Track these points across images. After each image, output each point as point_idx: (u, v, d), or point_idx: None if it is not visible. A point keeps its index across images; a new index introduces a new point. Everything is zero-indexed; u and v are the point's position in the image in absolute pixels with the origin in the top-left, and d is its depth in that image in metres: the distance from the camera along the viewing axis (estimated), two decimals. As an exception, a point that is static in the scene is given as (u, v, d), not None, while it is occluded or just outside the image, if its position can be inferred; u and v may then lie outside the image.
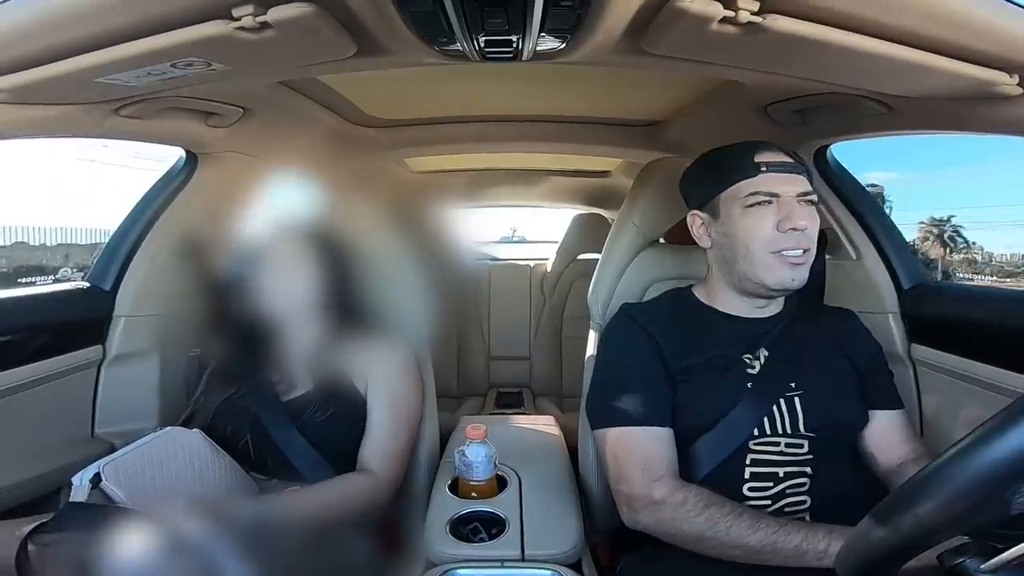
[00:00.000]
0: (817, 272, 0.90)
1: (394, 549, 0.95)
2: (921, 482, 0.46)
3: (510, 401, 2.34)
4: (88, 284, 1.24)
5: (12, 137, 0.91)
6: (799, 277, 0.84)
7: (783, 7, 0.58)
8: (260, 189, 1.14)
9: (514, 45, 0.71)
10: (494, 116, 1.49)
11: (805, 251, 0.83)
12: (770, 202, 0.83)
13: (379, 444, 0.99)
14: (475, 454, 0.96)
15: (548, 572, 0.81)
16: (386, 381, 1.02)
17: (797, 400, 0.85)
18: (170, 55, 0.68)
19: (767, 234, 0.83)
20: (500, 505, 0.93)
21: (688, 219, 0.93)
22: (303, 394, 1.00)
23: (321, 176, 1.12)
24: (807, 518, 0.82)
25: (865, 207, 1.17)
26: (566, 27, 0.66)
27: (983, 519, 0.45)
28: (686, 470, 0.84)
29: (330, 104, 1.32)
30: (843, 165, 1.21)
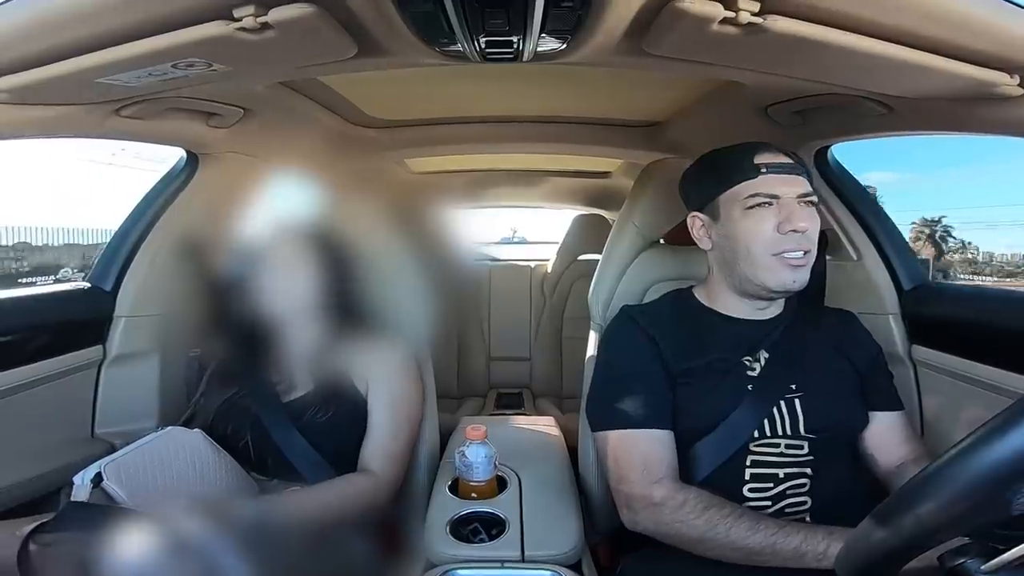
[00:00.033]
0: (818, 273, 0.89)
1: (394, 549, 0.95)
2: (922, 482, 0.46)
3: (510, 402, 2.34)
4: (89, 284, 1.25)
5: (13, 137, 0.92)
6: (800, 279, 0.84)
7: (783, 8, 0.58)
8: (261, 190, 1.14)
9: (515, 46, 0.71)
10: (494, 117, 1.49)
11: (806, 253, 0.83)
12: (770, 204, 0.83)
13: (380, 445, 0.99)
14: (475, 455, 0.96)
15: (548, 573, 0.81)
16: (387, 382, 1.02)
17: (797, 402, 0.85)
18: (171, 55, 0.68)
19: (768, 236, 0.83)
20: (500, 506, 0.93)
21: (688, 221, 0.93)
22: (304, 395, 1.00)
23: (321, 177, 1.12)
24: (807, 519, 0.82)
25: (866, 208, 1.17)
26: (567, 28, 0.66)
27: (984, 520, 0.45)
28: (686, 471, 0.84)
29: (331, 105, 1.32)
30: (844, 166, 1.21)
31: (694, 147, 0.97)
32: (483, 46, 0.70)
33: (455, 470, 0.99)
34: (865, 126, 0.99)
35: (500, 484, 0.99)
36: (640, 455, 0.83)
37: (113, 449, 1.04)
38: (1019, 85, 0.69)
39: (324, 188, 1.08)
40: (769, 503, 0.83)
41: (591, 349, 1.10)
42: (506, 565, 0.82)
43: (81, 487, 0.78)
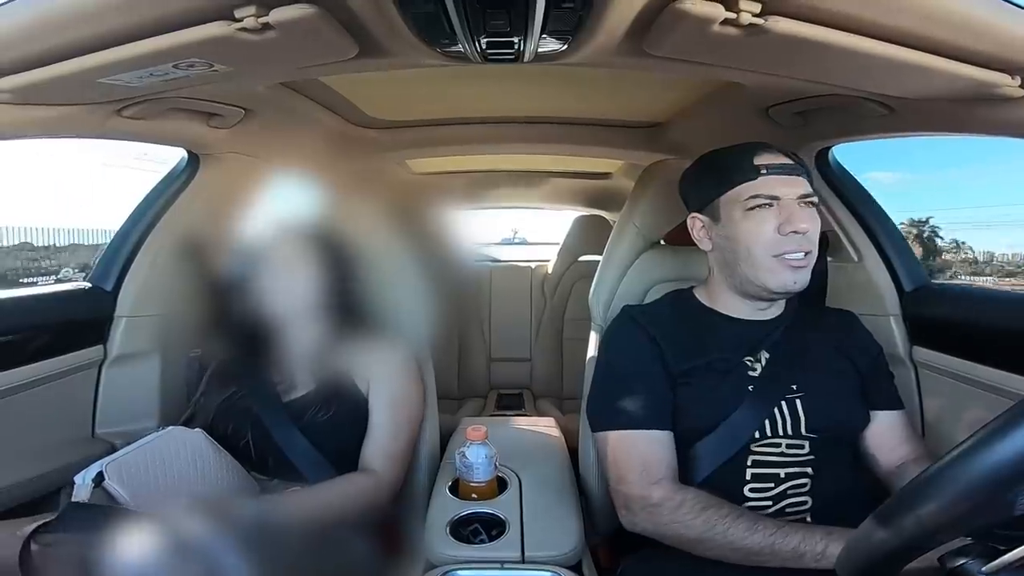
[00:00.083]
0: (818, 273, 0.89)
1: (394, 550, 0.95)
2: (923, 483, 0.46)
3: (511, 403, 2.34)
4: (90, 284, 1.25)
5: (15, 138, 0.92)
6: (801, 279, 0.84)
7: (784, 9, 0.58)
8: (262, 190, 1.14)
9: (516, 47, 0.71)
10: (495, 118, 1.50)
11: (807, 253, 0.83)
12: (771, 205, 0.83)
13: (381, 444, 0.99)
14: (476, 455, 0.96)
15: (548, 574, 0.81)
16: (388, 382, 1.02)
17: (798, 402, 0.85)
18: (172, 56, 0.68)
19: (768, 237, 0.83)
20: (500, 506, 0.93)
21: (688, 222, 0.93)
22: (304, 394, 1.00)
23: (322, 177, 1.12)
24: (808, 519, 0.82)
25: (867, 209, 1.17)
26: (567, 29, 0.66)
27: (986, 520, 0.45)
28: (687, 472, 0.84)
29: (332, 105, 1.32)
30: (845, 167, 1.21)
31: (695, 148, 0.97)
32: (484, 47, 0.71)
33: (455, 471, 0.99)
34: (866, 127, 0.99)
35: (500, 485, 0.99)
36: (639, 455, 0.83)
37: (114, 449, 1.05)
38: (1020, 86, 0.69)
39: (325, 189, 1.08)
40: (770, 503, 0.83)
41: (592, 350, 1.10)
42: (506, 566, 0.82)
43: (82, 486, 0.78)
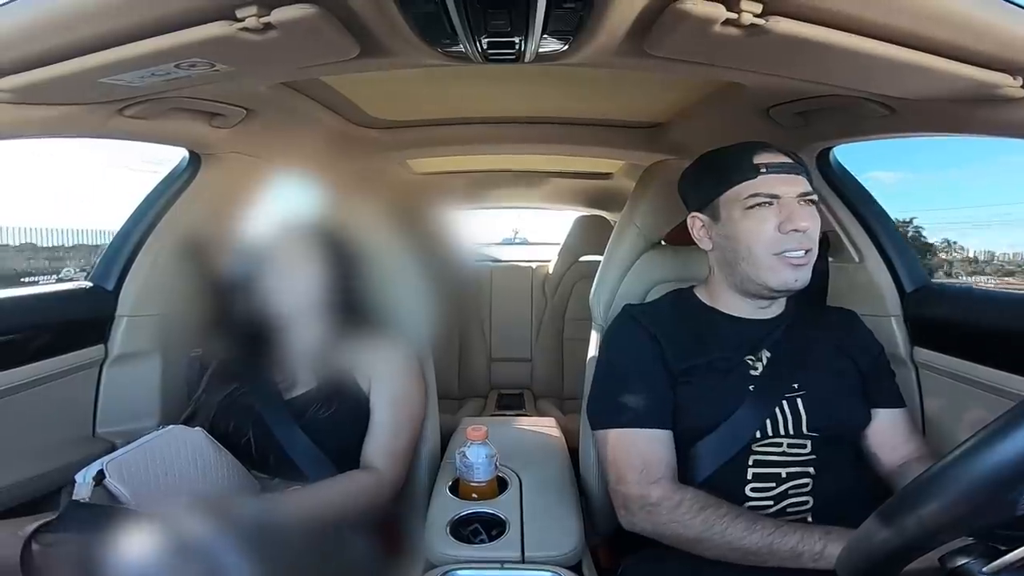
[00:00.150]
0: (819, 272, 0.89)
1: (394, 550, 0.95)
2: (925, 483, 0.46)
3: (511, 403, 2.34)
4: (91, 284, 1.25)
5: (16, 137, 0.92)
6: (802, 278, 0.84)
7: (785, 9, 0.58)
8: (263, 190, 1.14)
9: (516, 47, 0.71)
10: (496, 118, 1.50)
11: (807, 252, 0.83)
12: (771, 203, 0.83)
13: (382, 443, 0.99)
14: (476, 455, 0.96)
15: (548, 574, 0.81)
16: (389, 380, 1.03)
17: (800, 401, 0.85)
18: (174, 56, 0.68)
19: (768, 236, 0.83)
20: (500, 506, 0.93)
21: (688, 221, 0.93)
22: (305, 392, 1.00)
23: (324, 177, 1.12)
24: (809, 518, 0.82)
25: (868, 210, 1.17)
26: (568, 29, 0.66)
27: (988, 520, 0.45)
28: (688, 471, 0.84)
29: (333, 105, 1.32)
30: (846, 168, 1.21)
31: (696, 148, 0.97)
32: (485, 47, 0.71)
33: (456, 470, 0.99)
34: (867, 127, 0.99)
35: (501, 485, 0.99)
36: (639, 454, 0.83)
37: (114, 448, 1.04)
38: (1021, 87, 0.69)
39: (326, 188, 1.08)
40: (771, 503, 0.83)
41: (592, 350, 1.10)
42: (506, 566, 0.82)
43: (83, 485, 0.78)
